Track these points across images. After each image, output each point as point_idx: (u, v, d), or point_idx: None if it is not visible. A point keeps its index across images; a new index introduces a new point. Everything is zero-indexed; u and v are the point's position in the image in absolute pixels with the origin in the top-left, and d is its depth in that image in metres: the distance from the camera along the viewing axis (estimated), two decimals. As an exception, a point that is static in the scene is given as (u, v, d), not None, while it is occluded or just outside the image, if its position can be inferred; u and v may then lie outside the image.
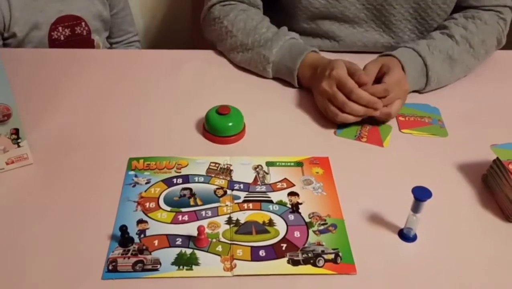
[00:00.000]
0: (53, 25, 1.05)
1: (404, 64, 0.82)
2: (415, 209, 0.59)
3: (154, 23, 1.37)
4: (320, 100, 0.80)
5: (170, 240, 0.60)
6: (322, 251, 0.59)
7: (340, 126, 0.79)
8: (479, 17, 0.92)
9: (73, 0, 1.06)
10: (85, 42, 1.11)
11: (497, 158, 0.67)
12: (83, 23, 1.09)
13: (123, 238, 0.59)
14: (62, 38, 1.07)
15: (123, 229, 0.58)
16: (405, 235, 0.62)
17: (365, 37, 0.96)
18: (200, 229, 0.59)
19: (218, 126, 0.75)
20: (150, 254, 0.58)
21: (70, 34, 1.08)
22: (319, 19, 0.95)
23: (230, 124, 0.75)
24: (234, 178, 0.69)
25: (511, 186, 0.63)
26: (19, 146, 0.68)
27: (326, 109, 0.78)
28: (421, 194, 0.58)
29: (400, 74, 0.79)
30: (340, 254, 0.59)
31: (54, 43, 1.06)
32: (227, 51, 0.94)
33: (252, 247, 0.59)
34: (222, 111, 0.75)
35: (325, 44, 0.97)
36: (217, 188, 0.67)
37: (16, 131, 0.67)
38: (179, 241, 0.60)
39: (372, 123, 0.80)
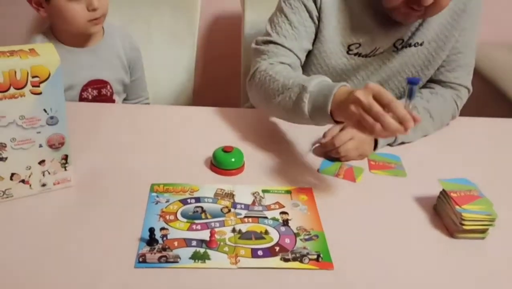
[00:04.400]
0: (84, 87, 1.25)
1: None
2: (410, 95, 0.79)
3: (160, 90, 1.60)
4: (353, 110, 0.77)
5: (187, 242, 0.76)
6: (307, 253, 0.75)
7: (323, 164, 0.98)
8: (441, 94, 1.14)
9: (103, 67, 1.27)
10: (108, 101, 1.30)
11: (443, 189, 0.86)
12: (108, 86, 1.29)
13: (150, 238, 0.75)
14: (90, 97, 1.27)
15: (151, 230, 0.74)
16: None
17: None
18: (211, 232, 0.75)
19: (223, 161, 0.93)
20: (172, 251, 0.74)
21: (97, 95, 1.28)
22: None
23: (233, 160, 0.93)
24: (237, 200, 0.86)
25: (453, 209, 0.82)
26: (66, 170, 0.85)
27: (362, 120, 0.77)
28: (413, 81, 0.78)
29: (355, 130, 0.91)
30: (321, 255, 0.75)
31: (83, 101, 1.26)
32: (268, 99, 0.99)
33: (252, 248, 0.75)
34: (227, 149, 0.94)
35: None
36: (223, 207, 0.84)
37: (66, 157, 0.84)
38: (194, 243, 0.76)
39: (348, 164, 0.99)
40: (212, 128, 1.10)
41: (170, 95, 1.60)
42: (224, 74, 1.82)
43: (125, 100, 1.42)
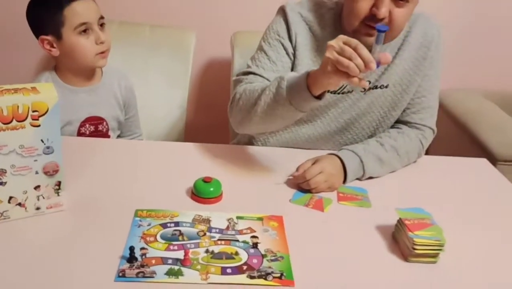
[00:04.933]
0: (82, 123, 1.36)
1: (344, 160, 1.13)
2: (377, 40, 0.95)
3: (154, 126, 1.71)
4: (329, 55, 0.90)
5: (163, 260, 0.84)
6: (272, 272, 0.83)
7: (295, 195, 1.07)
8: (407, 134, 1.25)
9: (100, 105, 1.39)
10: (104, 136, 1.41)
11: (400, 217, 0.94)
12: (104, 122, 1.40)
13: (130, 256, 0.83)
14: (87, 132, 1.38)
15: (132, 248, 0.83)
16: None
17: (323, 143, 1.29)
18: (186, 251, 0.83)
19: (202, 190, 1.02)
20: (149, 268, 0.82)
21: (94, 130, 1.39)
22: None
23: (212, 189, 1.03)
24: (212, 225, 0.95)
25: (406, 235, 0.90)
26: (58, 195, 0.94)
27: (337, 63, 0.89)
28: (380, 29, 0.95)
29: (325, 165, 1.09)
30: (284, 274, 0.83)
31: (81, 136, 1.37)
32: (250, 109, 1.09)
33: (222, 267, 0.84)
34: (206, 180, 1.03)
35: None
36: (199, 231, 0.93)
37: (59, 183, 0.93)
38: (170, 261, 0.84)
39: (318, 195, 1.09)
40: (196, 161, 1.20)
41: (163, 131, 1.71)
42: (214, 113, 1.94)
43: (120, 136, 1.52)
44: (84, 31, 1.27)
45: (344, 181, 1.14)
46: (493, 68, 2.02)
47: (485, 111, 1.75)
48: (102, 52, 1.31)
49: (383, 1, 1.04)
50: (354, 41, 0.90)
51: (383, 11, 1.04)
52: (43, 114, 0.86)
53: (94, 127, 1.39)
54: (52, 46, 1.30)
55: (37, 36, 1.30)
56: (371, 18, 1.06)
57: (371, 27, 1.07)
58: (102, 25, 1.32)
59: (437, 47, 1.23)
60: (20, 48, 1.85)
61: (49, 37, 1.28)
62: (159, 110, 1.71)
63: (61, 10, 1.25)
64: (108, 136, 1.42)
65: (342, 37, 0.91)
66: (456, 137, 1.74)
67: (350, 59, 0.88)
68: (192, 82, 1.81)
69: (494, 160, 1.50)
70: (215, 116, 1.89)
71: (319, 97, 0.99)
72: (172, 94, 1.71)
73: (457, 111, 1.78)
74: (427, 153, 1.30)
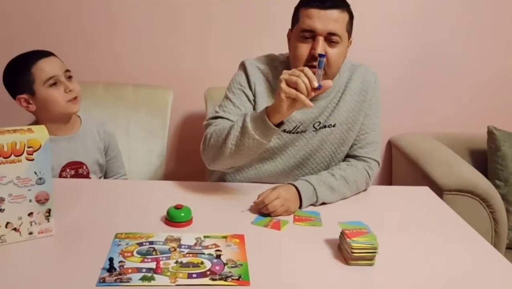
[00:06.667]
0: (63, 168, 1.51)
1: (299, 188, 1.30)
2: (319, 65, 1.16)
3: (136, 174, 1.88)
4: (282, 76, 1.14)
5: (138, 269, 0.98)
6: (231, 275, 0.98)
7: (256, 219, 1.23)
8: (355, 165, 1.44)
9: (79, 151, 1.54)
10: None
11: (342, 229, 1.10)
12: (84, 166, 1.56)
13: (110, 266, 0.97)
14: (68, 176, 1.52)
15: (111, 259, 0.97)
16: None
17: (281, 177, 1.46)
18: (157, 260, 0.98)
19: (174, 216, 1.18)
20: (126, 275, 0.96)
21: (74, 174, 1.54)
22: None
23: (182, 214, 1.18)
24: (182, 243, 1.10)
25: (346, 241, 1.06)
26: (48, 221, 1.09)
27: (289, 81, 1.12)
28: (321, 55, 1.18)
29: (280, 191, 1.26)
30: (242, 276, 0.98)
31: None
32: (220, 145, 1.26)
33: (188, 273, 0.98)
34: (178, 207, 1.19)
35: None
36: (171, 247, 1.08)
37: (49, 211, 1.09)
38: (144, 270, 0.98)
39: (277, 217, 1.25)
40: (171, 194, 1.36)
41: (145, 178, 1.87)
42: (191, 161, 2.12)
43: (104, 177, 1.67)
44: (54, 84, 1.46)
45: (300, 206, 1.30)
46: (442, 114, 2.26)
47: (434, 150, 1.94)
48: (74, 98, 1.49)
49: (318, 43, 1.27)
50: (301, 67, 1.15)
51: (319, 50, 1.26)
52: (37, 150, 1.03)
53: (75, 171, 1.54)
54: (28, 102, 1.48)
55: (14, 97, 1.48)
56: (312, 59, 1.28)
57: (313, 66, 1.28)
58: (69, 77, 1.51)
59: (374, 90, 1.44)
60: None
61: (24, 95, 1.47)
62: (140, 160, 1.89)
63: (29, 69, 1.45)
64: (89, 178, 1.57)
65: (283, 74, 1.16)
66: (410, 173, 1.92)
67: (298, 76, 1.12)
68: (171, 134, 2.01)
69: (440, 190, 1.68)
70: (193, 164, 2.06)
71: (278, 126, 1.19)
72: (152, 144, 1.90)
73: (411, 151, 1.98)
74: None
